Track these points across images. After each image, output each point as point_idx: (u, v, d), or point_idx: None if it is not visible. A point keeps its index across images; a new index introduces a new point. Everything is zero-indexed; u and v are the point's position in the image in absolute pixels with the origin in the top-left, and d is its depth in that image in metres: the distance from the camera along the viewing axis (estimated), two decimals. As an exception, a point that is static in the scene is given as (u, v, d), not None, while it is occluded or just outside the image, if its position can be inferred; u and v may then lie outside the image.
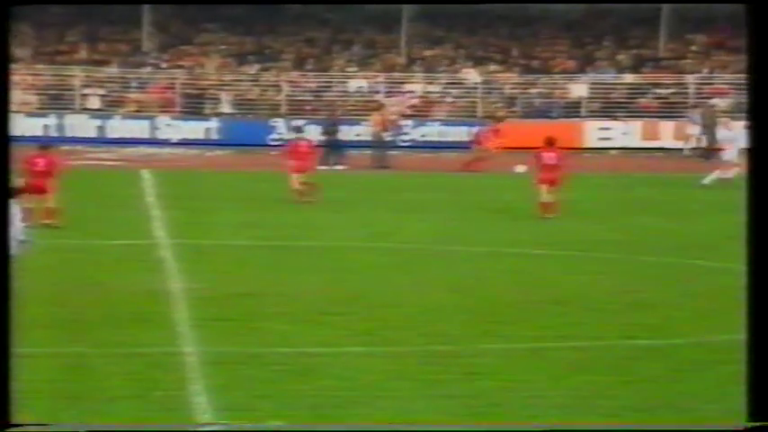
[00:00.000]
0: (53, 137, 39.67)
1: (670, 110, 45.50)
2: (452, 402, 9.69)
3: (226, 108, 46.35)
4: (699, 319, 13.54)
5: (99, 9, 48.20)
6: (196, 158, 40.62)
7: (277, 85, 47.50)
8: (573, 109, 46.29)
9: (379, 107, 42.79)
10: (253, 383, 10.34)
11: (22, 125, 38.71)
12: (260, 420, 9.10)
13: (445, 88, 48.09)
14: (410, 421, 9.12)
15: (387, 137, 39.96)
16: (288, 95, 47.27)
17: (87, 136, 43.63)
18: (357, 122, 42.22)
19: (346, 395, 9.90)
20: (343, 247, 20.11)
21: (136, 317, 13.24)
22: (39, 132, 41.37)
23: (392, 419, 9.16)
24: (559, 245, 20.24)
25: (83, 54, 48.01)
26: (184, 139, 45.07)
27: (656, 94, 47.16)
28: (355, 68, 49.18)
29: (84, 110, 45.30)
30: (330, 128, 39.56)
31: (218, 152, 42.19)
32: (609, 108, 46.20)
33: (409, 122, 44.62)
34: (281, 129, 45.12)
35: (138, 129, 44.78)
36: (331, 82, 48.15)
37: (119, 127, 44.73)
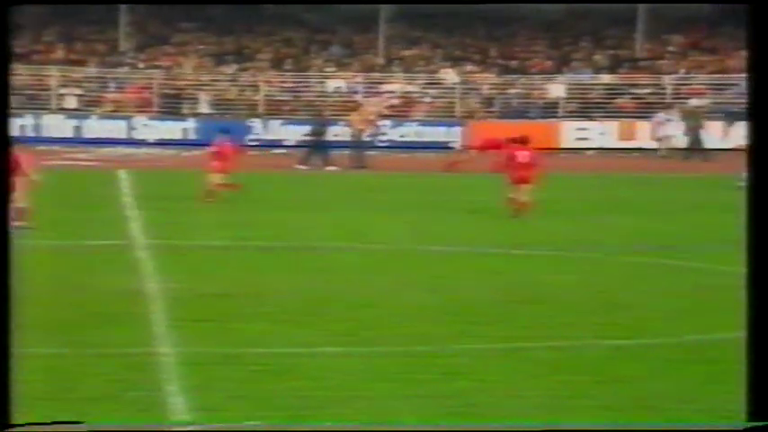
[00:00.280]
0: (30, 137, 39.52)
1: (647, 110, 45.66)
2: (429, 402, 9.70)
3: (203, 108, 46.27)
4: (674, 318, 13.60)
5: (76, 8, 48.05)
6: (173, 159, 40.54)
7: (255, 86, 47.45)
8: (550, 109, 46.41)
9: (358, 107, 42.80)
10: (229, 384, 10.32)
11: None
12: (236, 421, 9.09)
13: (423, 88, 48.13)
14: (386, 422, 9.12)
15: (365, 137, 39.96)
16: (266, 95, 47.22)
17: (64, 136, 43.50)
18: (335, 123, 42.20)
19: (322, 395, 9.90)
20: (321, 247, 20.11)
21: (112, 317, 13.20)
22: (15, 133, 41.19)
23: (368, 420, 9.16)
24: (537, 245, 20.29)
25: (59, 54, 47.84)
26: (161, 140, 44.98)
27: (632, 94, 47.33)
28: (333, 69, 49.17)
29: (61, 110, 45.16)
30: (318, 128, 39.51)
31: (196, 152, 42.10)
32: (586, 108, 46.36)
33: (387, 123, 44.65)
34: (258, 129, 45.09)
35: (115, 129, 44.65)
36: (309, 82, 48.12)
37: (95, 127, 44.60)
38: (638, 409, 9.45)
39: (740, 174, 30.20)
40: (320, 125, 39.69)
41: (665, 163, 40.07)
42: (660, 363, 11.25)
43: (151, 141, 43.86)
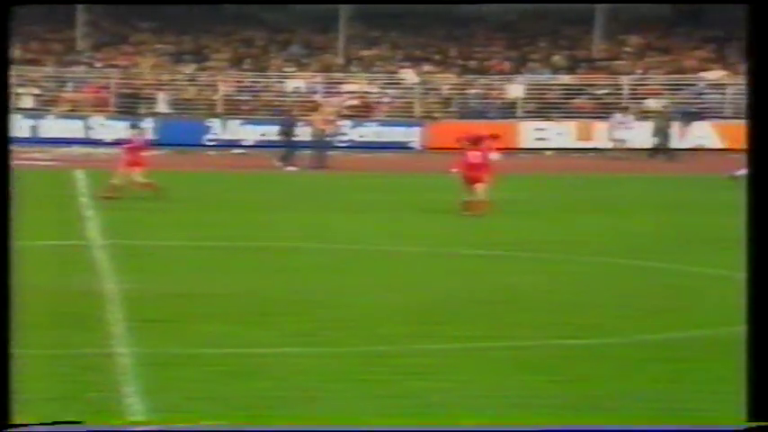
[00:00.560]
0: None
1: (604, 110, 45.92)
2: (388, 402, 9.71)
3: (161, 108, 46.06)
4: (633, 318, 13.67)
5: (32, 7, 47.69)
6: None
7: (213, 85, 47.29)
8: (509, 109, 46.56)
9: (319, 107, 42.76)
10: (187, 384, 10.28)
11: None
12: (194, 421, 9.05)
13: (383, 88, 48.16)
14: (347, 422, 9.11)
15: (326, 137, 39.94)
16: (224, 95, 47.08)
17: (21, 136, 43.15)
18: (294, 123, 42.08)
19: (283, 396, 9.88)
20: (281, 247, 20.07)
21: (68, 318, 13.11)
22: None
23: (329, 420, 9.15)
24: (497, 245, 20.34)
25: (16, 53, 47.46)
26: (119, 139, 44.75)
27: (590, 94, 47.57)
28: (293, 68, 49.09)
29: (18, 109, 44.79)
30: (287, 128, 39.46)
31: (154, 152, 41.89)
32: (544, 109, 46.55)
33: (347, 123, 44.65)
34: (216, 129, 44.95)
35: (73, 128, 44.38)
36: (268, 82, 48.02)
37: (52, 126, 44.30)
38: (596, 409, 9.50)
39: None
40: (287, 125, 39.64)
41: (627, 163, 40.30)
42: (618, 362, 11.31)
43: (108, 141, 43.61)
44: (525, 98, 46.73)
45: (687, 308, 14.30)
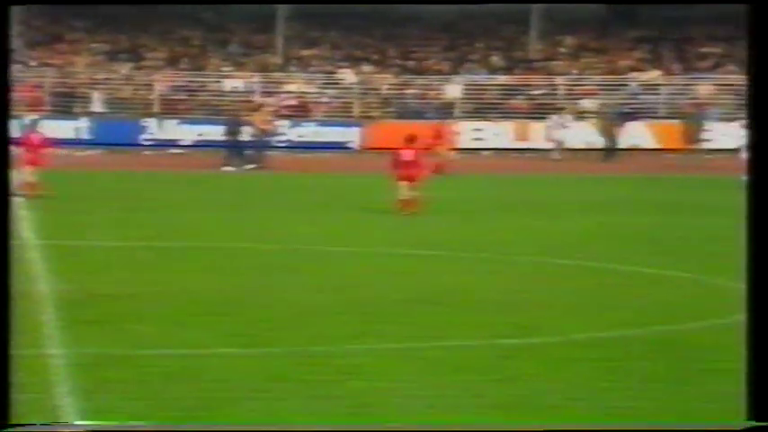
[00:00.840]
0: None
1: (540, 111, 46.24)
2: (324, 403, 9.71)
3: (97, 107, 45.67)
4: (567, 317, 13.78)
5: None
6: (66, 158, 39.92)
7: (149, 84, 46.98)
8: (447, 110, 46.73)
9: (258, 107, 42.65)
10: (122, 385, 10.22)
11: None
12: (125, 421, 9.00)
13: (321, 89, 48.13)
14: (283, 422, 9.11)
15: (266, 137, 39.86)
16: (161, 94, 46.78)
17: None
18: (241, 123, 41.90)
19: (220, 396, 9.85)
20: (218, 247, 20.00)
21: None
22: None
23: (265, 420, 9.14)
24: (434, 245, 20.42)
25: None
26: (53, 139, 44.28)
27: (527, 95, 47.89)
28: (230, 68, 48.90)
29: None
30: (232, 129, 39.30)
31: (89, 152, 41.55)
32: (481, 109, 46.77)
33: (286, 123, 44.57)
34: (152, 128, 44.67)
35: (7, 127, 43.82)
36: (206, 81, 47.80)
37: (-14, 126, 43.73)
38: (530, 408, 9.56)
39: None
40: (234, 125, 39.48)
41: (564, 163, 40.58)
42: (552, 361, 11.40)
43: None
44: (463, 98, 46.93)
45: (620, 307, 14.45)
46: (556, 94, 47.04)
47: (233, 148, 38.67)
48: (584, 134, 43.11)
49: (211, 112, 45.30)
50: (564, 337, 12.58)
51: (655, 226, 23.62)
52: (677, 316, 13.73)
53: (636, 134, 44.53)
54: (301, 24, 50.13)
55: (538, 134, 44.98)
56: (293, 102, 46.99)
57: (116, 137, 42.16)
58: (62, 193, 27.48)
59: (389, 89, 47.79)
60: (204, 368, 10.99)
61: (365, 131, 44.87)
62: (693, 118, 42.64)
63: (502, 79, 48.25)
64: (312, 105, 47.10)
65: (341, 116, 46.35)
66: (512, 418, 9.24)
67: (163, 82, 46.91)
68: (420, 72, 48.70)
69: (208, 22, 50.47)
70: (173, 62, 48.69)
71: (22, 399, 9.61)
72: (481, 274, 17.36)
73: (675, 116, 45.45)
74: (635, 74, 48.14)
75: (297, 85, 48.01)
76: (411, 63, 49.44)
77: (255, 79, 47.39)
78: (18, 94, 45.54)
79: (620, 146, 42.60)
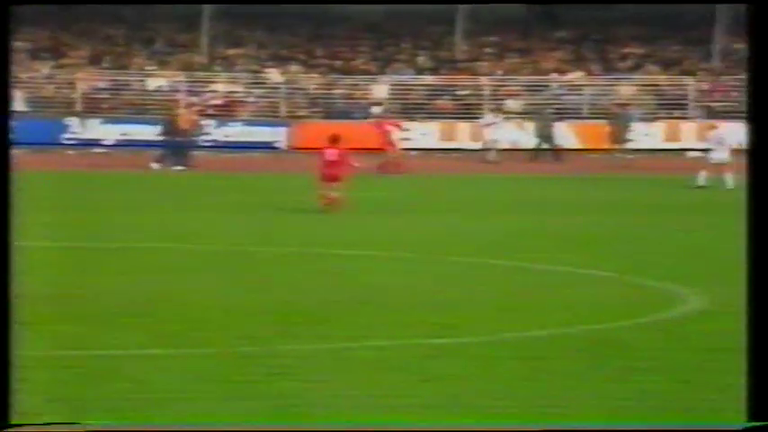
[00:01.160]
0: None
1: (466, 111, 46.46)
2: (253, 403, 9.67)
3: (18, 106, 45.07)
4: (496, 316, 13.85)
5: None
6: (-12, 157, 39.38)
7: (72, 83, 46.46)
8: (374, 109, 46.73)
9: (183, 106, 42.37)
10: (49, 387, 10.08)
11: None
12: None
13: (248, 88, 47.93)
14: (208, 422, 9.05)
15: (190, 136, 39.61)
16: (84, 93, 46.28)
17: None
18: (156, 122, 41.64)
19: (146, 397, 9.76)
20: (144, 248, 19.83)
21: None
22: None
23: (191, 420, 9.07)
24: (361, 244, 20.43)
25: None
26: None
27: (453, 95, 48.10)
28: (154, 67, 48.51)
29: None
30: (167, 128, 38.96)
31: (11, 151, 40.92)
32: (408, 109, 46.88)
33: (212, 122, 44.31)
34: (75, 127, 44.19)
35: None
36: (129, 80, 47.37)
37: None
38: (458, 407, 9.60)
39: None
40: (170, 125, 39.15)
41: (492, 164, 40.77)
42: (480, 361, 11.45)
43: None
44: (389, 98, 47.01)
45: (548, 306, 14.55)
46: (481, 95, 47.30)
47: (161, 148, 38.39)
48: (514, 134, 43.28)
49: (135, 112, 44.89)
50: (492, 336, 12.64)
51: (581, 226, 23.84)
52: (604, 315, 13.86)
53: (560, 134, 44.90)
54: (227, 23, 49.87)
55: (464, 134, 45.18)
56: (219, 101, 46.75)
57: (38, 136, 41.64)
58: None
59: (316, 89, 47.74)
60: (130, 369, 10.89)
61: (292, 131, 44.77)
62: (620, 118, 43.10)
63: (428, 79, 48.42)
64: (238, 105, 46.89)
65: (268, 116, 46.20)
66: (441, 418, 9.26)
67: (85, 81, 46.42)
68: (347, 72, 48.71)
69: (131, 21, 50.03)
70: (95, 61, 48.20)
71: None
72: (409, 274, 17.39)
73: (598, 116, 45.92)
74: (558, 75, 48.55)
75: (222, 84, 47.77)
76: (338, 63, 49.43)
77: (180, 78, 47.06)
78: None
79: (554, 146, 42.84)
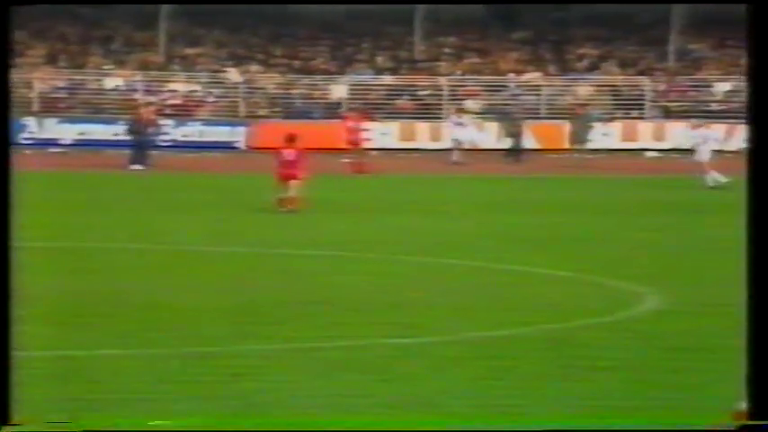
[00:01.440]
0: None
1: (426, 111, 46.50)
2: (213, 403, 9.62)
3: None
4: (457, 316, 13.87)
5: None
6: (-57, 157, 39.01)
7: (28, 83, 46.08)
8: (334, 110, 46.73)
9: (140, 106, 42.13)
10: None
11: None
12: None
13: (206, 88, 47.73)
14: (170, 422, 8.99)
15: (148, 136, 39.39)
16: (40, 93, 45.93)
17: None
18: (114, 122, 41.40)
19: (108, 398, 9.69)
20: (103, 248, 19.70)
21: None
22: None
23: (150, 420, 9.02)
24: (322, 245, 20.40)
25: None
26: None
27: (412, 95, 48.13)
28: (112, 66, 48.22)
29: None
30: (136, 128, 38.66)
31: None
32: (368, 109, 46.89)
33: (170, 122, 44.10)
34: (32, 127, 43.83)
35: None
36: (86, 79, 47.05)
37: None
38: (421, 406, 9.60)
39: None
40: (137, 125, 38.84)
41: (451, 164, 40.82)
42: (442, 360, 11.46)
43: None
44: (349, 98, 46.97)
45: (509, 306, 14.58)
46: (441, 95, 47.36)
47: (119, 147, 38.19)
48: (475, 135, 43.27)
49: (92, 111, 44.60)
50: (454, 336, 12.65)
51: (541, 226, 23.92)
52: (564, 314, 13.90)
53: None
54: (184, 22, 49.64)
55: (423, 134, 45.21)
56: (177, 101, 46.53)
57: (-6, 136, 41.27)
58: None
59: (276, 89, 47.61)
60: (90, 369, 10.81)
61: (251, 131, 44.63)
62: (581, 119, 43.27)
63: (388, 79, 48.42)
64: (197, 105, 46.69)
65: (226, 116, 46.03)
66: (403, 418, 9.26)
67: (42, 80, 46.06)
68: (306, 72, 48.61)
69: (88, 19, 49.68)
70: (52, 60, 47.84)
71: None
72: (370, 275, 17.38)
73: (556, 116, 46.10)
74: (515, 75, 48.70)
75: (181, 84, 47.54)
76: (297, 63, 49.33)
77: (137, 78, 46.81)
78: None
79: (524, 146, 42.87)
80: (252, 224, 23.73)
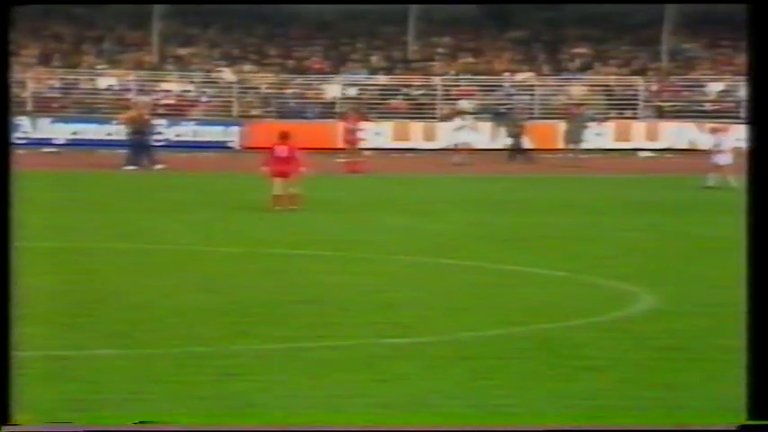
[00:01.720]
0: None
1: (420, 111, 46.50)
2: (206, 404, 9.58)
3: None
4: (450, 316, 13.84)
5: None
6: (-64, 156, 38.95)
7: (22, 82, 46.03)
8: (327, 109, 46.73)
9: (134, 106, 42.09)
10: (-4, 390, 9.92)
11: None
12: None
13: (200, 87, 47.71)
14: (161, 422, 8.95)
15: (142, 136, 39.36)
16: (34, 92, 45.87)
17: None
18: (108, 121, 41.34)
19: (94, 398, 9.65)
20: (94, 248, 19.65)
21: None
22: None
23: (141, 420, 8.98)
24: (315, 244, 20.37)
25: None
26: None
27: (406, 95, 48.14)
28: (105, 66, 48.17)
29: None
30: (139, 128, 38.62)
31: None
32: (362, 109, 46.88)
33: (163, 122, 44.07)
34: (25, 127, 43.77)
35: None
36: (79, 79, 47.01)
37: None
38: (414, 406, 9.57)
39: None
40: (140, 124, 38.79)
41: (453, 165, 40.78)
42: (434, 360, 11.43)
43: None
44: (343, 98, 46.96)
45: (502, 306, 14.56)
46: (434, 95, 47.35)
47: (114, 147, 38.14)
48: (471, 136, 43.20)
49: (86, 111, 44.56)
50: (447, 336, 12.62)
51: (534, 226, 23.91)
52: (558, 314, 13.88)
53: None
54: (178, 22, 49.58)
55: (417, 134, 45.19)
56: (171, 101, 46.48)
57: (-13, 135, 41.21)
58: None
59: (269, 88, 47.58)
60: (80, 369, 10.76)
61: (245, 131, 44.61)
62: (577, 119, 43.25)
63: (382, 79, 48.40)
64: (190, 104, 46.64)
65: (220, 115, 45.99)
66: (396, 418, 9.22)
67: (36, 80, 45.98)
68: (300, 71, 48.59)
69: (81, 19, 49.62)
70: (45, 60, 47.77)
71: None
72: (363, 274, 17.35)
73: (549, 116, 46.11)
74: (509, 75, 48.71)
75: (174, 83, 47.49)
76: (291, 62, 49.30)
77: (131, 77, 46.74)
78: None
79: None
80: (245, 224, 23.69)
